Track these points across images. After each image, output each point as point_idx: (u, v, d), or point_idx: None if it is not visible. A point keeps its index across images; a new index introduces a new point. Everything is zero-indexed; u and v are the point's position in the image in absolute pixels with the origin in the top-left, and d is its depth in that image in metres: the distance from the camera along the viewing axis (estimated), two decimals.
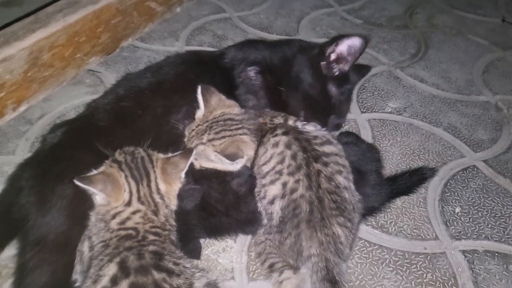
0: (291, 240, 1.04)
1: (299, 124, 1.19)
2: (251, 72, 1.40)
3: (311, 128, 1.18)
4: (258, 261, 1.14)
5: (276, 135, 1.14)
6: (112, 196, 0.93)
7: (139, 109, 1.24)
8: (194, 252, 1.17)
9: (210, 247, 1.21)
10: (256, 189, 1.12)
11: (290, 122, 1.20)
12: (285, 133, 1.13)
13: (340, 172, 1.09)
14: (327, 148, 1.12)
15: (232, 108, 1.24)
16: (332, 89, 1.38)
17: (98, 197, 0.95)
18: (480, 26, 2.47)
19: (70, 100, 1.66)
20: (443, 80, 2.01)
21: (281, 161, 1.08)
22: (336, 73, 1.38)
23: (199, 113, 1.24)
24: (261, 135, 1.20)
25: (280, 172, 1.07)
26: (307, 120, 1.24)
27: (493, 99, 1.92)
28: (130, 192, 0.95)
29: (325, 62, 1.37)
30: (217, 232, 1.21)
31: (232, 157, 1.11)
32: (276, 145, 1.11)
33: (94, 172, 0.96)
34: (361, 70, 1.57)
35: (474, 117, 1.79)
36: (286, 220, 1.05)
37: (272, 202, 1.07)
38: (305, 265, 1.02)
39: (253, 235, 1.21)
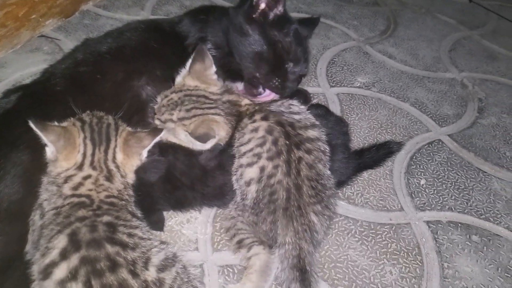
0: (266, 225, 1.01)
1: (285, 105, 1.13)
2: (207, 47, 1.33)
3: (295, 109, 1.13)
4: (226, 236, 1.12)
5: (254, 121, 1.08)
6: (62, 153, 0.88)
7: (98, 74, 1.18)
8: (158, 224, 1.13)
9: (174, 218, 1.18)
10: (233, 168, 1.08)
11: (277, 103, 1.14)
12: (264, 118, 1.07)
13: (321, 159, 1.07)
14: (311, 133, 1.08)
15: (208, 86, 1.16)
16: (274, 33, 1.29)
17: (48, 150, 0.89)
18: (448, 6, 2.50)
19: (26, 67, 1.56)
20: (411, 56, 2.02)
21: (261, 145, 1.04)
22: (271, 17, 1.30)
23: (179, 77, 1.18)
24: (237, 120, 1.14)
25: (258, 156, 1.03)
26: (267, 81, 1.20)
27: (459, 76, 1.94)
28: (84, 155, 0.89)
29: (257, 13, 1.30)
30: (181, 205, 1.17)
31: (203, 139, 1.06)
32: (255, 130, 1.06)
33: (55, 123, 0.91)
34: (309, 23, 1.51)
35: (440, 93, 1.81)
36: (262, 205, 1.02)
37: (248, 184, 1.03)
38: (278, 250, 1.00)
39: (220, 208, 1.19)
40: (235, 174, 1.07)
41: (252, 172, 1.03)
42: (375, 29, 2.18)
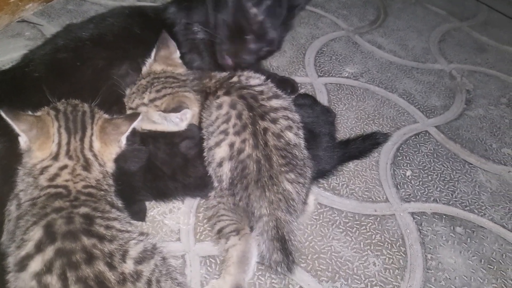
0: (243, 202, 1.00)
1: (243, 78, 1.13)
2: (194, 30, 1.31)
3: (256, 81, 1.11)
4: (208, 226, 1.11)
5: (218, 97, 1.07)
6: (36, 143, 0.86)
7: (78, 61, 1.14)
8: (139, 214, 1.11)
9: (156, 208, 1.16)
10: (204, 153, 1.07)
11: (235, 79, 1.13)
12: (227, 93, 1.07)
13: (290, 128, 1.05)
14: (275, 103, 1.07)
15: (175, 68, 1.17)
16: (244, 3, 1.23)
17: (21, 140, 0.87)
18: None
19: (7, 53, 1.52)
20: (400, 47, 2.00)
21: (227, 121, 1.03)
22: None
23: (145, 67, 1.17)
24: (204, 98, 1.13)
25: (225, 132, 1.02)
26: (226, 49, 1.17)
27: (448, 67, 1.93)
28: (59, 144, 0.87)
29: None
30: (163, 195, 1.15)
31: (177, 109, 1.04)
32: (220, 106, 1.05)
33: (29, 113, 0.89)
34: None
35: (428, 84, 1.80)
36: (236, 182, 1.01)
37: (220, 164, 1.02)
38: (257, 225, 0.99)
39: (202, 199, 1.17)
40: (207, 159, 1.06)
41: (222, 151, 1.01)
42: (365, 19, 2.16)
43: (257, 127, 1.01)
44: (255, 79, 1.12)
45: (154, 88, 1.10)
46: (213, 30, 1.28)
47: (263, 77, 1.14)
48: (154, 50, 1.16)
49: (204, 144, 1.06)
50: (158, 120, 1.09)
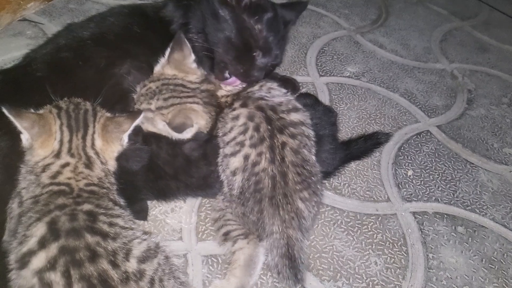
0: (253, 215, 1.00)
1: (264, 89, 1.11)
2: (191, 33, 1.30)
3: (277, 93, 1.10)
4: (213, 227, 1.11)
5: (234, 109, 1.06)
6: (37, 141, 0.86)
7: (80, 61, 1.14)
8: (141, 213, 1.11)
9: (158, 207, 1.16)
10: (219, 159, 1.06)
11: (255, 87, 1.11)
12: (243, 105, 1.05)
13: (306, 144, 1.04)
14: (294, 117, 1.05)
15: (187, 75, 1.14)
16: (246, 19, 1.22)
17: (23, 137, 0.87)
18: None
19: (9, 52, 1.52)
20: (402, 47, 2.00)
21: (243, 132, 1.01)
22: (246, 2, 1.22)
23: (158, 67, 1.15)
24: (218, 110, 1.12)
25: (241, 144, 1.01)
26: (232, 67, 1.16)
27: (449, 67, 1.93)
28: (61, 142, 0.87)
29: None
30: (165, 195, 1.15)
31: (179, 129, 1.04)
32: (236, 118, 1.03)
33: (30, 110, 0.89)
34: (297, 7, 1.43)
35: (430, 84, 1.80)
36: (248, 195, 1.00)
37: (234, 173, 1.01)
38: (267, 240, 0.99)
39: (204, 198, 1.17)
40: (221, 165, 1.05)
41: (236, 162, 1.01)
42: (366, 19, 2.16)
43: (275, 140, 1.00)
44: (275, 91, 1.10)
45: (162, 96, 1.08)
46: (210, 44, 1.26)
47: (284, 90, 1.13)
48: (168, 50, 1.14)
49: (220, 151, 1.05)
50: (162, 128, 1.09)
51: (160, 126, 1.09)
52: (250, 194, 0.99)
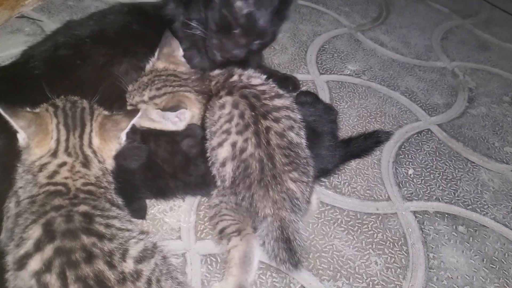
0: (246, 202, 0.99)
1: (244, 78, 1.11)
2: (193, 26, 1.29)
3: (257, 81, 1.10)
4: (210, 225, 1.10)
5: (220, 97, 1.06)
6: (34, 140, 0.85)
7: (79, 59, 1.14)
8: (139, 212, 1.10)
9: (157, 206, 1.15)
10: (208, 154, 1.06)
11: (235, 78, 1.12)
12: (229, 93, 1.06)
13: (292, 127, 1.04)
14: (277, 102, 1.06)
15: (177, 66, 1.15)
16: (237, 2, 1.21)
17: (19, 136, 0.86)
18: None
19: (7, 49, 1.51)
20: (402, 44, 1.99)
21: (229, 120, 1.02)
22: None
23: (149, 65, 1.16)
24: (208, 99, 1.12)
25: (228, 131, 1.01)
26: (216, 47, 1.17)
27: (450, 65, 1.92)
28: (58, 141, 0.86)
29: None
30: (163, 193, 1.14)
31: (174, 109, 1.03)
32: (222, 106, 1.04)
33: (27, 109, 0.88)
34: None
35: (431, 82, 1.79)
36: (238, 182, 0.99)
37: (223, 164, 1.01)
38: (261, 225, 0.98)
39: (203, 197, 1.17)
40: (210, 160, 1.05)
41: (225, 151, 1.00)
42: (367, 16, 2.14)
43: (260, 126, 1.00)
44: (256, 79, 1.10)
45: (155, 86, 1.09)
46: (205, 27, 1.27)
47: (264, 76, 1.13)
48: (158, 49, 1.15)
49: (207, 144, 1.05)
50: (156, 118, 1.08)
51: (153, 116, 1.08)
52: (240, 180, 0.99)
